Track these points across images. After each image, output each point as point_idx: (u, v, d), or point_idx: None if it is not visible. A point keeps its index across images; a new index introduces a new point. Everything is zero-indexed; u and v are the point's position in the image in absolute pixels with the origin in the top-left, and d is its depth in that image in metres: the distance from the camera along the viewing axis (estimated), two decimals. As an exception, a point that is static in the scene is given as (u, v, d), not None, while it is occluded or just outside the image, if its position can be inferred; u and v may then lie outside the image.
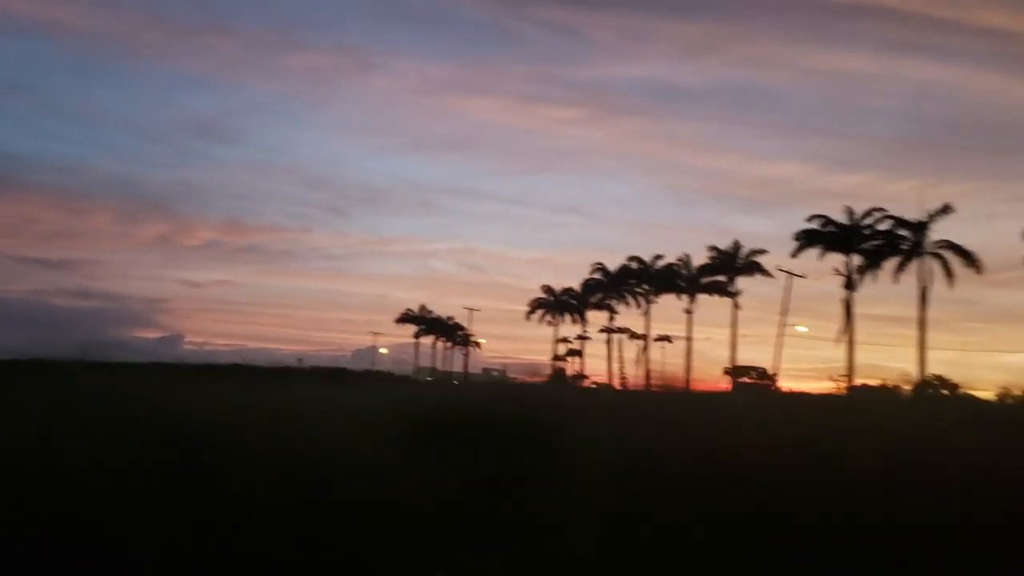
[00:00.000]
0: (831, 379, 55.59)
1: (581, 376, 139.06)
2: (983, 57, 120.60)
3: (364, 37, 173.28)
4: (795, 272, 61.23)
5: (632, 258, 70.45)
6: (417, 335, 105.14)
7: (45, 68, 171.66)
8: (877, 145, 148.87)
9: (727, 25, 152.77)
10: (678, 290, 67.23)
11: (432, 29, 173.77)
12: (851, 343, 54.24)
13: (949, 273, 50.15)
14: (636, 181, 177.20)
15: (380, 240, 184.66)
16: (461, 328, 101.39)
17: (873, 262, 52.79)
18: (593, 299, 76.21)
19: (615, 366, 78.38)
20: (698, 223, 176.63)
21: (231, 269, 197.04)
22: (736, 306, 63.73)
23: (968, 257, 49.45)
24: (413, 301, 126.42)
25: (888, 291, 57.43)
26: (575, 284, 79.29)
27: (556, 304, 80.00)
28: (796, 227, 57.89)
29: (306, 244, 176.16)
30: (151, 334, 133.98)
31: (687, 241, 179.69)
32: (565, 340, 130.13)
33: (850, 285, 54.11)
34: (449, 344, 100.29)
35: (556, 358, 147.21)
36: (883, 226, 53.94)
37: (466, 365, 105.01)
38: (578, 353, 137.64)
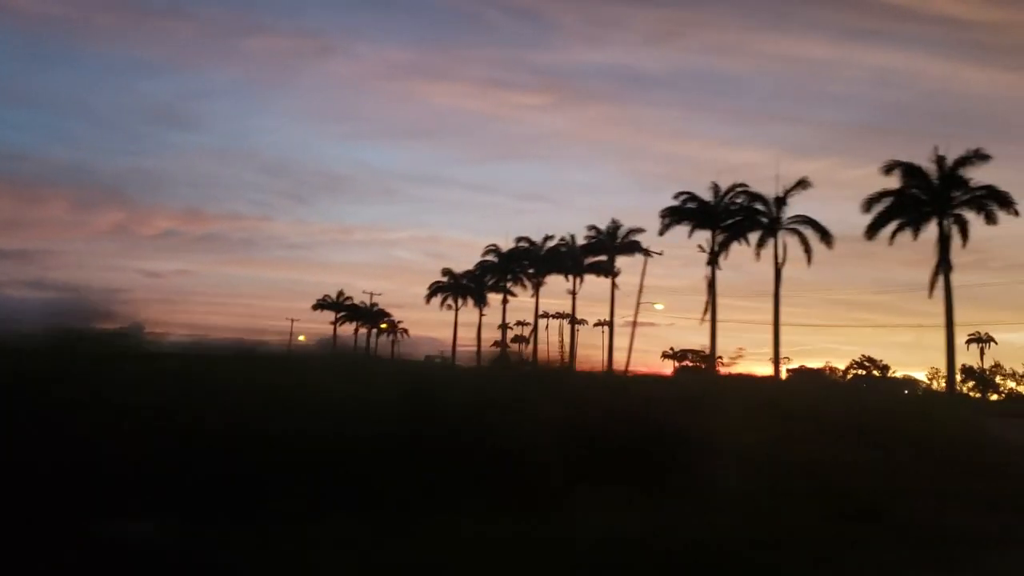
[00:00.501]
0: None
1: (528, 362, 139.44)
2: (940, 44, 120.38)
3: (325, 21, 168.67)
4: (653, 251, 60.68)
5: (521, 239, 69.35)
6: (338, 322, 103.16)
7: None
8: (836, 131, 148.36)
9: (689, 11, 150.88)
10: (565, 271, 66.22)
11: (394, 13, 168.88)
12: (714, 323, 53.49)
13: (807, 249, 49.49)
14: (601, 167, 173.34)
15: (342, 228, 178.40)
16: (386, 314, 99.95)
17: (732, 238, 51.97)
18: (490, 281, 75.07)
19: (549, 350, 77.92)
20: (661, 209, 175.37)
21: (191, 258, 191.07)
22: (614, 286, 62.78)
23: (824, 232, 48.73)
24: (376, 290, 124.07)
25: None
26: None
27: (455, 287, 78.77)
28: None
29: (267, 232, 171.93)
30: (110, 325, 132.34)
31: (651, 227, 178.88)
32: (505, 326, 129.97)
33: (713, 263, 53.28)
34: (366, 329, 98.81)
35: (497, 344, 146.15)
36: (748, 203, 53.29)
37: (393, 351, 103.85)
38: (525, 340, 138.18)
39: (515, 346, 72.26)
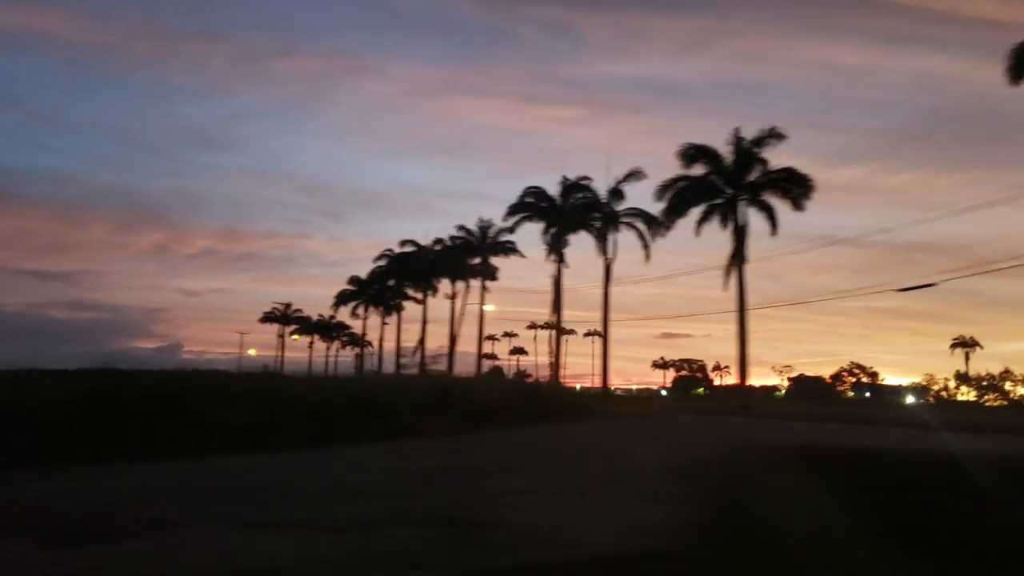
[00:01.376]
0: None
1: (524, 374, 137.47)
2: (978, 47, 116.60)
3: (357, 41, 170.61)
4: (522, 253, 59.14)
5: (406, 242, 68.35)
6: (293, 333, 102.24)
7: (39, 81, 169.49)
8: (874, 137, 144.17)
9: (721, 20, 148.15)
10: (450, 275, 65.00)
11: (425, 31, 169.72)
12: (559, 320, 51.74)
13: (646, 243, 47.59)
14: (636, 179, 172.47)
15: (378, 244, 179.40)
16: (346, 327, 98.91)
17: (563, 233, 50.33)
18: (391, 287, 74.12)
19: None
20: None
21: (228, 277, 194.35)
22: (484, 288, 61.35)
23: (656, 223, 46.71)
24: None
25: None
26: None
27: (366, 295, 78.00)
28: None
29: (303, 250, 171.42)
30: (149, 344, 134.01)
31: (686, 239, 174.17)
32: (491, 338, 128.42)
33: (559, 260, 51.60)
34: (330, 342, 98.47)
35: (487, 356, 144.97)
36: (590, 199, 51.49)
37: (360, 365, 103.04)
38: (523, 351, 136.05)
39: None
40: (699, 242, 40.87)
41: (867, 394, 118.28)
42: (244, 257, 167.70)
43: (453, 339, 62.70)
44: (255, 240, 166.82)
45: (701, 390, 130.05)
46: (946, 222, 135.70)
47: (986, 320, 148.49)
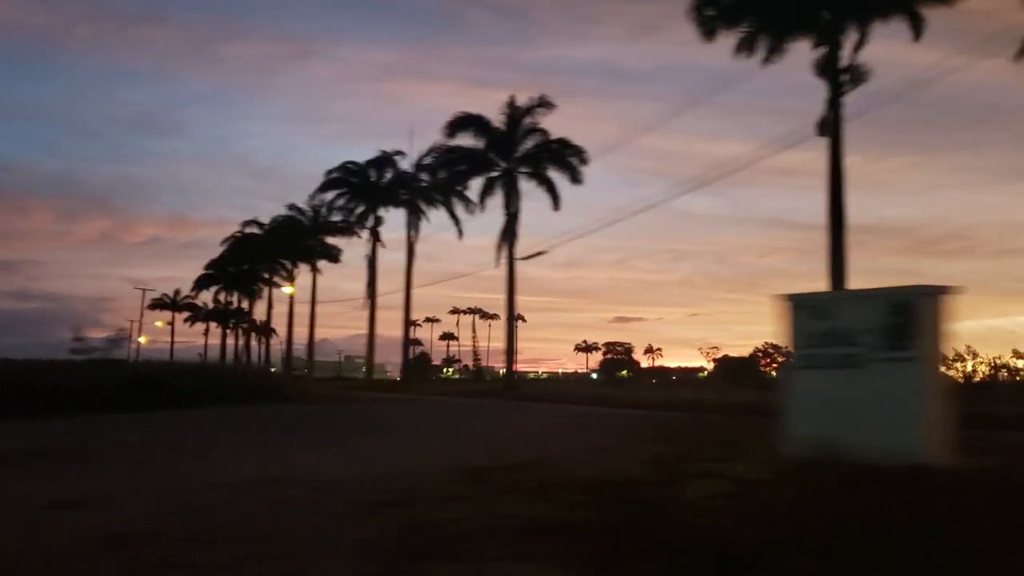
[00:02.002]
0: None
1: (453, 360, 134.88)
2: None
3: (306, 24, 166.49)
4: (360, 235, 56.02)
5: (248, 222, 65.34)
6: (186, 321, 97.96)
7: None
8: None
9: (672, 4, 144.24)
10: (290, 256, 62.01)
11: (375, 14, 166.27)
12: (374, 307, 49.19)
13: (456, 220, 45.01)
14: (588, 164, 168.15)
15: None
16: (246, 313, 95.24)
17: (376, 207, 47.80)
18: (247, 270, 71.08)
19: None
20: (647, 204, 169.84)
21: (176, 265, 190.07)
22: (315, 271, 58.52)
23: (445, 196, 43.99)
24: (360, 291, 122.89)
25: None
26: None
27: (227, 279, 74.93)
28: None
29: None
30: (97, 334, 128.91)
31: (638, 223, 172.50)
32: (413, 323, 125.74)
33: (375, 239, 49.04)
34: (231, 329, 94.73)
35: (413, 342, 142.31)
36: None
37: (267, 354, 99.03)
38: (452, 336, 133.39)
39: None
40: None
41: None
42: (192, 245, 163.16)
43: (291, 323, 60.03)
44: (203, 227, 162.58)
45: (625, 372, 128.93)
46: (890, 204, 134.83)
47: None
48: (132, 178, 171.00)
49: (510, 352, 38.64)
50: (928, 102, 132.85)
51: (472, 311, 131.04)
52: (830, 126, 22.35)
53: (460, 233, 43.79)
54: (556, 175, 37.03)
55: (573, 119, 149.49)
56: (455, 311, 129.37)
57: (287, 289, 60.56)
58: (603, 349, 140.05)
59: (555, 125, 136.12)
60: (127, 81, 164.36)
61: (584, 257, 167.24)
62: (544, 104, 36.70)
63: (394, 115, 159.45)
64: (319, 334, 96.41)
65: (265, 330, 74.84)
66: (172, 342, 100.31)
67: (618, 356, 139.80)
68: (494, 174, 37.98)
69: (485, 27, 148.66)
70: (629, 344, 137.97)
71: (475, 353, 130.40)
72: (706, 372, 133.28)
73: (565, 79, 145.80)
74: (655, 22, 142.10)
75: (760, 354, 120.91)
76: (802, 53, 22.93)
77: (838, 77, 22.19)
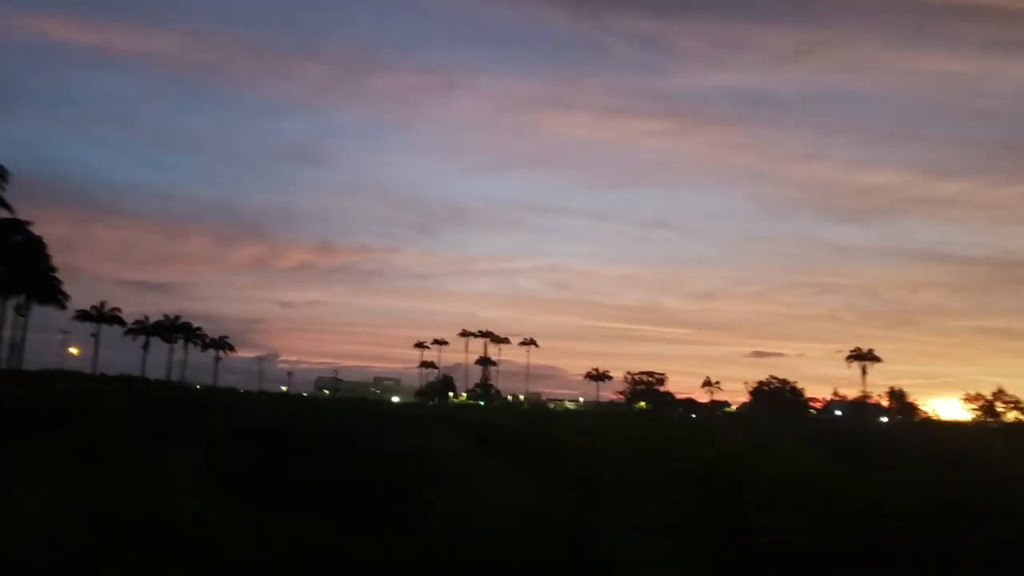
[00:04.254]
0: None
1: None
2: None
3: (447, 57, 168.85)
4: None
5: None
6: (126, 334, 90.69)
7: (143, 98, 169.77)
8: (980, 149, 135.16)
9: (819, 30, 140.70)
10: None
11: (515, 46, 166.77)
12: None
13: None
14: (726, 193, 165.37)
15: (466, 259, 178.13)
16: (197, 329, 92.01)
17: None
18: None
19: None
20: (791, 235, 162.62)
21: (322, 289, 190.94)
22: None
23: None
24: (499, 319, 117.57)
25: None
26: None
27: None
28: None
29: (394, 263, 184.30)
30: (246, 353, 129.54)
31: (780, 254, 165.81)
32: (420, 345, 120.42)
33: None
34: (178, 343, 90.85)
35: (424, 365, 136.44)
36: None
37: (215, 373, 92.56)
38: (491, 362, 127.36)
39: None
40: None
41: (837, 412, 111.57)
42: (338, 270, 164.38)
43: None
44: (348, 254, 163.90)
45: (643, 404, 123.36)
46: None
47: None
48: (283, 206, 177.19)
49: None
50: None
51: (483, 334, 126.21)
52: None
53: None
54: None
55: (712, 147, 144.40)
56: (465, 333, 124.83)
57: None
58: (627, 377, 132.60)
59: (693, 153, 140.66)
60: (280, 113, 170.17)
61: (720, 288, 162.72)
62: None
63: (532, 145, 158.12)
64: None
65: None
66: (96, 354, 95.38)
67: (639, 387, 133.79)
68: None
69: (625, 56, 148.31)
70: (662, 374, 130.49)
71: (484, 378, 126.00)
72: (732, 407, 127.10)
73: (704, 107, 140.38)
74: (797, 48, 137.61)
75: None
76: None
77: None
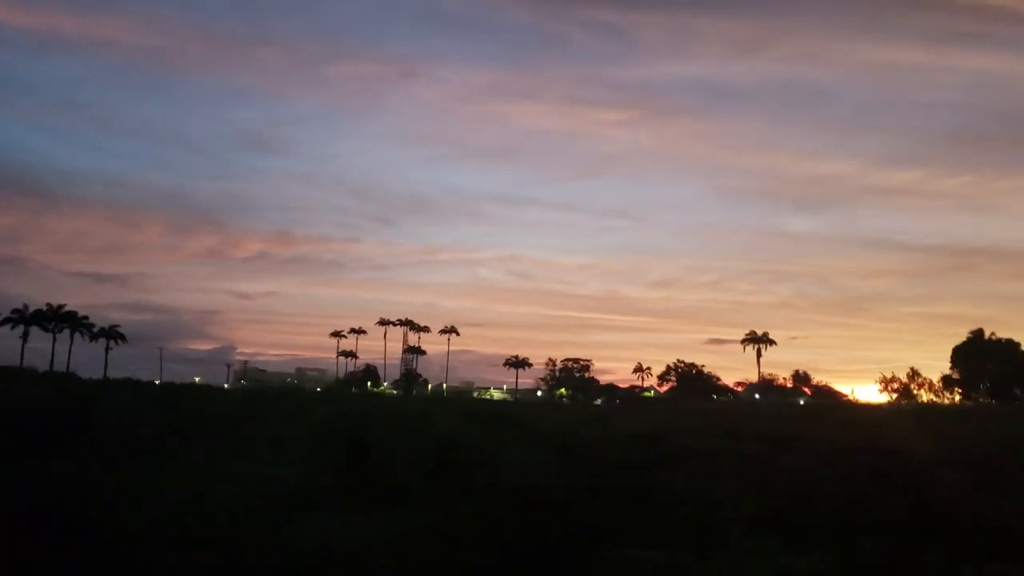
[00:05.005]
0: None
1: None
2: None
3: (407, 46, 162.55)
4: None
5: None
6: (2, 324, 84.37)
7: (94, 85, 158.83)
8: (931, 139, 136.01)
9: (776, 21, 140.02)
10: None
11: (475, 35, 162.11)
12: None
13: None
14: (685, 183, 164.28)
15: (428, 249, 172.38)
16: (84, 318, 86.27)
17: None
18: None
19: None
20: (747, 224, 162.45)
21: (280, 280, 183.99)
22: None
23: None
24: (460, 310, 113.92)
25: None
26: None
27: None
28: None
29: (354, 254, 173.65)
30: (203, 345, 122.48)
31: (737, 243, 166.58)
32: (337, 334, 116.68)
33: None
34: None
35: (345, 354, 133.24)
36: None
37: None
38: (420, 351, 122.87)
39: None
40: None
41: (756, 395, 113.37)
42: (295, 260, 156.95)
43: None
44: (306, 244, 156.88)
45: (563, 391, 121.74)
46: (1005, 226, 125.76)
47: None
48: (239, 195, 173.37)
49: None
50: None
51: (402, 323, 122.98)
52: None
53: None
54: None
55: (672, 138, 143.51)
56: (383, 322, 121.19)
57: None
58: (548, 364, 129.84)
59: (654, 143, 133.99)
60: (236, 100, 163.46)
61: (679, 277, 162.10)
62: None
63: (492, 135, 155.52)
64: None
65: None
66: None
67: (562, 374, 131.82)
68: None
69: (585, 46, 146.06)
70: (588, 361, 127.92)
71: (405, 366, 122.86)
72: (652, 391, 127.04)
73: (665, 97, 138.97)
74: (757, 38, 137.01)
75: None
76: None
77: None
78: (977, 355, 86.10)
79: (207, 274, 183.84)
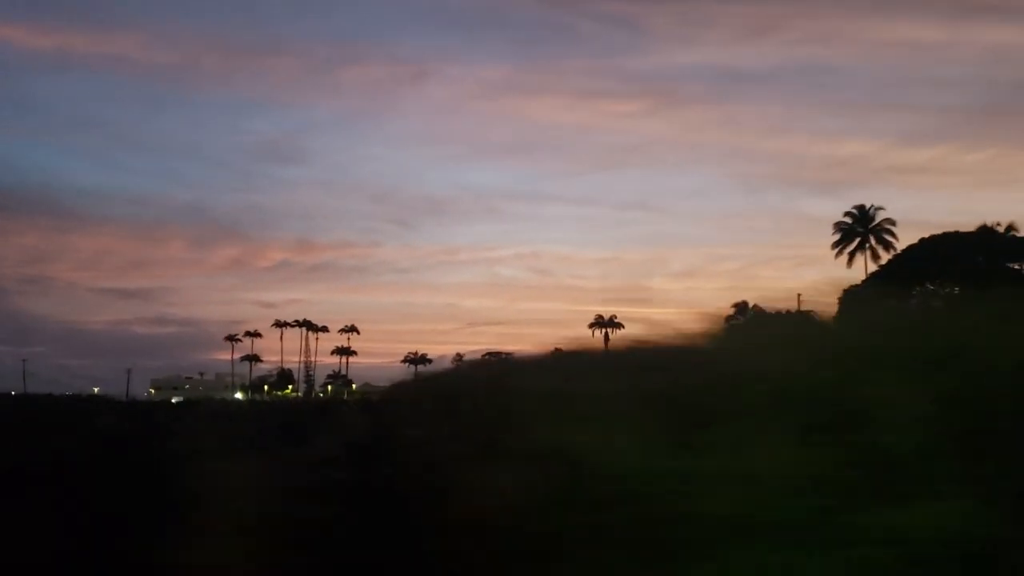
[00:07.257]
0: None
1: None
2: None
3: (416, 46, 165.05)
4: None
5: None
6: None
7: (112, 103, 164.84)
8: (950, 115, 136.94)
9: (787, 3, 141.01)
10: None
11: (484, 32, 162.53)
12: None
13: None
14: (703, 171, 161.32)
15: (447, 250, 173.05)
16: None
17: None
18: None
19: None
20: (767, 210, 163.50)
21: (304, 287, 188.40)
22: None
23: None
24: (482, 309, 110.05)
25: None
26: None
27: None
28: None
29: (376, 258, 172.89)
30: (229, 356, 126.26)
31: (758, 229, 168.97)
32: (231, 337, 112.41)
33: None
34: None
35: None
36: None
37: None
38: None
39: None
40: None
41: None
42: (318, 268, 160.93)
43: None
44: (328, 250, 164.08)
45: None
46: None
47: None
48: (259, 205, 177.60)
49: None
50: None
51: (299, 324, 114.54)
52: None
53: None
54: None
55: (686, 126, 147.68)
56: (279, 324, 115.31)
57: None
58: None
59: (669, 132, 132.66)
60: (251, 111, 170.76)
61: (701, 266, 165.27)
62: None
63: (507, 132, 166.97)
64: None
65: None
66: None
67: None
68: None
69: (596, 38, 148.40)
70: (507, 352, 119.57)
71: (306, 369, 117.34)
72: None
73: (679, 85, 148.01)
74: (768, 21, 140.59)
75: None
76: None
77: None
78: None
79: (231, 285, 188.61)
